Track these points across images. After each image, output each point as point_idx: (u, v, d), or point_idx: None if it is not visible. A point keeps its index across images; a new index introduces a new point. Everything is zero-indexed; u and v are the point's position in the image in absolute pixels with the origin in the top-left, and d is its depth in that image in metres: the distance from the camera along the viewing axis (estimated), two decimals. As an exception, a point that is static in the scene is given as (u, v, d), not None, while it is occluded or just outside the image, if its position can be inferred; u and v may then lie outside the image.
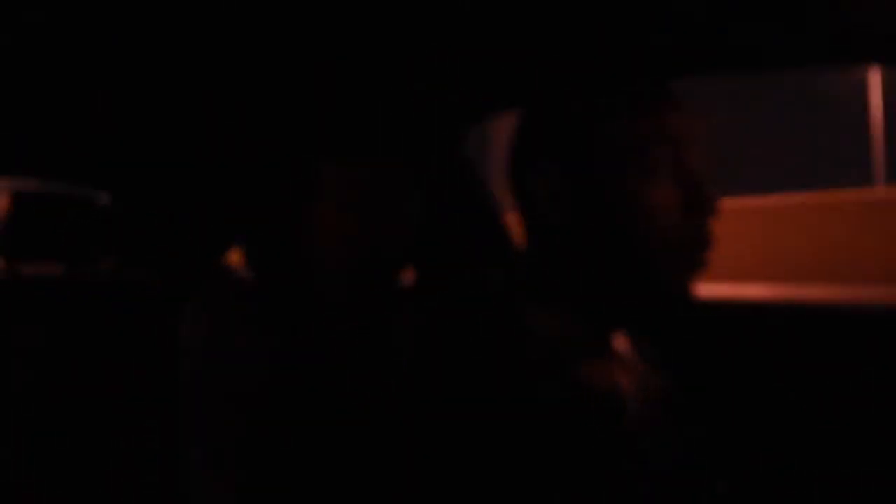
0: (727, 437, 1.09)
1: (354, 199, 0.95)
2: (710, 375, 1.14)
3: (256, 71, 0.98)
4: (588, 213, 0.69)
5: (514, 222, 0.93)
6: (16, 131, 1.48)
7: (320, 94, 1.05)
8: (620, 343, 0.77)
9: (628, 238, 0.68)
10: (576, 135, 0.70)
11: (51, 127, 1.43)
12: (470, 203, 1.34)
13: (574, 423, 0.62)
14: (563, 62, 0.90)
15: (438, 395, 0.63)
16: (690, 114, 0.71)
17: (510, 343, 0.66)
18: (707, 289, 1.15)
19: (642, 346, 0.83)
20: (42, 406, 1.28)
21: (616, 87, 0.71)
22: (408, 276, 1.26)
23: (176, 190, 1.51)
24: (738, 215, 5.98)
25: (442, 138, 1.27)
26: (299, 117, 1.12)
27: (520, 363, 0.64)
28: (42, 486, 1.23)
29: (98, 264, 1.54)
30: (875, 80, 13.64)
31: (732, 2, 0.72)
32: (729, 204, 5.65)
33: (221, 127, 1.29)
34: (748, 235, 5.86)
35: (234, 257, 1.38)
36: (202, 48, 0.88)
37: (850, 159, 15.72)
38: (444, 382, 0.64)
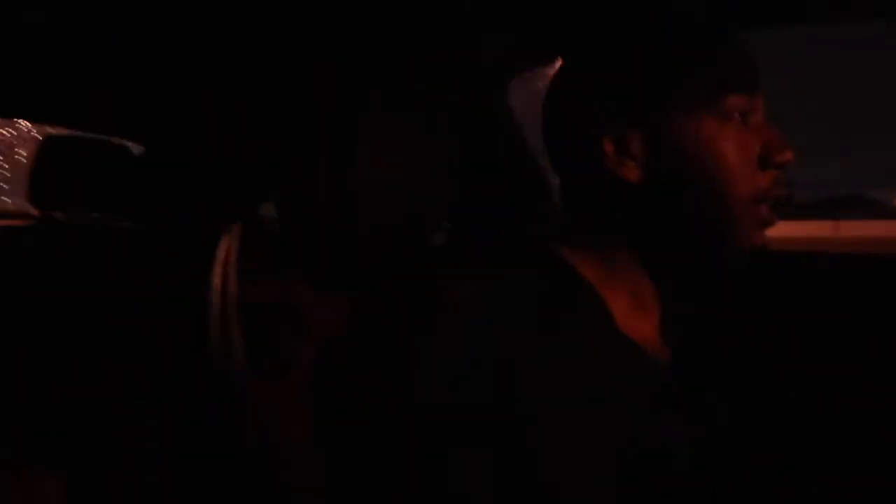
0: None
1: (395, 145, 0.90)
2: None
3: (293, 14, 0.93)
4: (662, 165, 0.66)
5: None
6: (48, 77, 1.44)
7: (360, 40, 1.00)
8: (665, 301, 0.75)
9: (702, 190, 0.65)
10: (645, 84, 0.67)
11: (83, 73, 1.40)
12: (512, 155, 1.28)
13: (616, 377, 0.62)
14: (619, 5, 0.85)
15: (488, 355, 0.59)
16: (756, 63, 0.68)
17: (558, 296, 0.65)
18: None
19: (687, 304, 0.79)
20: (70, 357, 1.26)
21: (683, 32, 0.68)
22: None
23: (210, 138, 1.47)
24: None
25: (484, 86, 1.21)
26: (337, 59, 1.07)
27: (568, 316, 0.63)
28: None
29: (130, 213, 1.51)
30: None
31: None
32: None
33: (257, 73, 1.25)
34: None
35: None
36: None
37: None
38: (490, 338, 0.60)
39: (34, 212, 1.51)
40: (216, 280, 0.90)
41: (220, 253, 0.93)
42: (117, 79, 1.42)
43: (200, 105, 1.49)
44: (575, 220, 0.73)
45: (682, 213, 0.67)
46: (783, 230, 0.78)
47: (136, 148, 1.67)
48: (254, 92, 1.36)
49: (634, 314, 0.70)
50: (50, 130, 1.77)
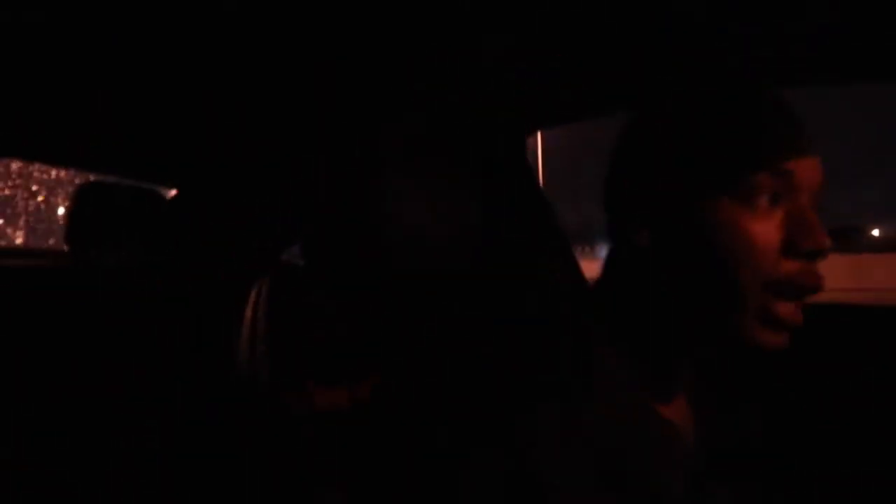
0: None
1: (420, 191, 0.93)
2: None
3: (318, 55, 0.97)
4: (671, 237, 0.62)
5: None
6: (86, 128, 1.51)
7: (390, 83, 1.04)
8: (688, 387, 0.71)
9: (707, 273, 0.59)
10: (666, 153, 0.62)
11: (116, 122, 1.46)
12: (531, 209, 1.29)
13: (638, 461, 0.58)
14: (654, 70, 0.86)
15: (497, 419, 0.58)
16: (801, 142, 0.60)
17: (580, 371, 0.61)
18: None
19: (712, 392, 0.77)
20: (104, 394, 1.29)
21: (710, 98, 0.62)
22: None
23: (239, 183, 1.52)
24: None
25: (507, 141, 1.24)
26: (365, 105, 1.11)
27: (589, 396, 0.59)
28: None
29: (161, 255, 1.55)
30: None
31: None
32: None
33: (286, 121, 1.29)
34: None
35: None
36: (257, 43, 0.88)
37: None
38: (503, 404, 0.59)
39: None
40: (248, 312, 0.94)
41: (253, 293, 0.96)
42: (147, 124, 1.48)
43: (229, 152, 1.54)
44: (607, 291, 0.69)
45: (687, 293, 0.61)
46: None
47: (166, 193, 1.73)
48: (281, 139, 1.40)
49: (662, 391, 0.66)
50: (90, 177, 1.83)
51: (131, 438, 1.14)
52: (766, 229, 0.58)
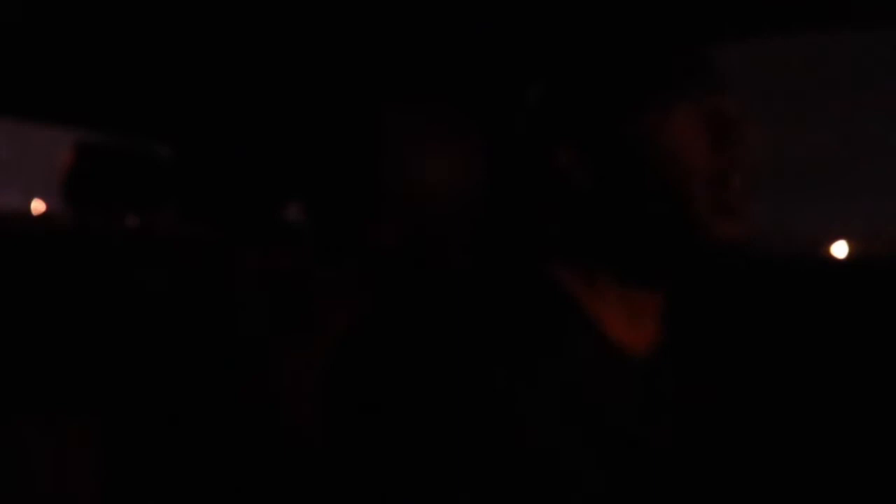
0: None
1: (421, 148, 0.93)
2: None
3: (323, 16, 0.95)
4: (611, 165, 0.66)
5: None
6: (78, 80, 1.48)
7: (386, 36, 1.02)
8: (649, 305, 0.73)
9: (655, 182, 0.64)
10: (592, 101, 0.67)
11: (112, 76, 1.43)
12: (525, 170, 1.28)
13: (596, 383, 0.62)
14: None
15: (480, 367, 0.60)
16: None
17: (541, 308, 0.65)
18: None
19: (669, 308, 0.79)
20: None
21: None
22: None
23: (236, 140, 1.50)
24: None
25: (504, 100, 1.23)
26: (363, 59, 1.09)
27: (551, 327, 0.63)
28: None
29: (159, 216, 1.55)
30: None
31: None
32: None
33: (284, 74, 1.28)
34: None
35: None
36: None
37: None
38: (479, 353, 0.60)
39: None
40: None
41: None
42: (145, 80, 1.45)
43: (225, 107, 1.52)
44: (557, 234, 0.72)
45: (637, 212, 0.66)
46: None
47: (163, 151, 1.71)
48: (278, 92, 1.38)
49: (623, 321, 0.69)
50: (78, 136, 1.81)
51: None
52: (693, 130, 0.64)
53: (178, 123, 1.63)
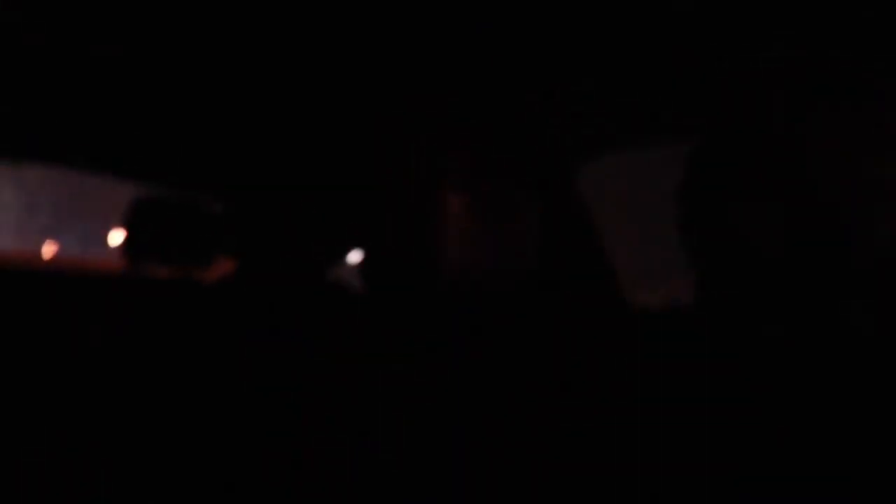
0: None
1: (480, 214, 0.93)
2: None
3: (379, 77, 0.97)
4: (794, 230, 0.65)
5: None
6: (138, 138, 1.54)
7: (454, 109, 1.04)
8: None
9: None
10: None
11: (171, 132, 1.48)
12: (584, 237, 1.26)
13: None
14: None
15: None
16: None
17: None
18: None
19: None
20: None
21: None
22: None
23: (292, 194, 1.53)
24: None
25: (562, 168, 1.22)
26: (431, 125, 1.11)
27: None
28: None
29: (213, 267, 1.58)
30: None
31: None
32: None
33: (338, 130, 1.30)
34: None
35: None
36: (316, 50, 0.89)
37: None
38: None
39: None
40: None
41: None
42: (201, 136, 1.50)
43: (282, 160, 1.55)
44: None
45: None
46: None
47: (217, 207, 1.76)
48: (336, 145, 1.40)
49: None
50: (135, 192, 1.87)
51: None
52: None
53: (230, 176, 1.67)
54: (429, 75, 0.94)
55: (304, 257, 1.40)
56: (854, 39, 0.72)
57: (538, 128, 1.07)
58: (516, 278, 0.96)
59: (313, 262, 1.39)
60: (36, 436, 1.04)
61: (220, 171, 1.68)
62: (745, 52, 0.77)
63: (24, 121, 1.36)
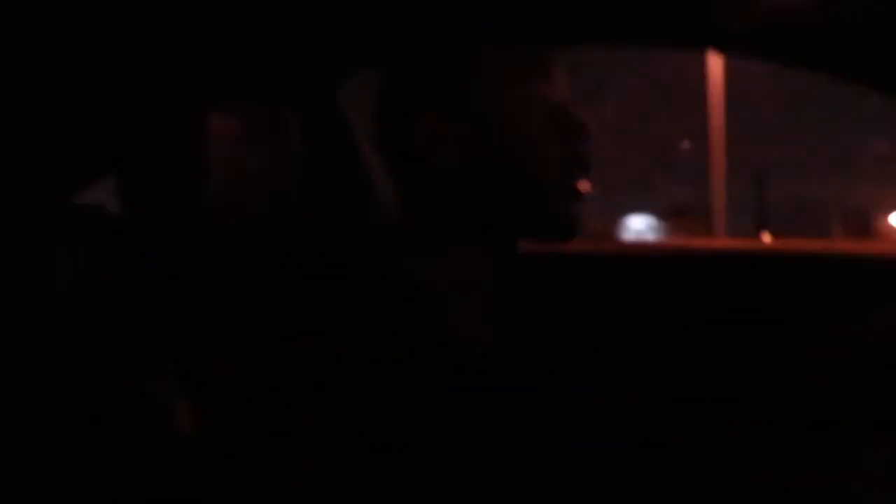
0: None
1: (240, 135, 0.93)
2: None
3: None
4: (469, 150, 0.71)
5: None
6: None
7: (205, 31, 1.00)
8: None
9: (508, 167, 0.72)
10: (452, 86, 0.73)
11: None
12: (346, 155, 1.29)
13: (440, 369, 0.66)
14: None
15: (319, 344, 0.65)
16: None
17: (388, 288, 0.69)
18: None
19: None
20: None
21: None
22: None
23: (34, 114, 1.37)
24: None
25: (321, 86, 1.23)
26: (184, 49, 1.05)
27: (397, 309, 0.67)
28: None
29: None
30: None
31: None
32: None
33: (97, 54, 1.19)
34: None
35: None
36: None
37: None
38: (322, 331, 0.66)
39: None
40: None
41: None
42: None
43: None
44: (409, 217, 0.77)
45: (491, 192, 0.72)
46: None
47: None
48: (94, 66, 1.28)
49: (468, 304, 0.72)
50: None
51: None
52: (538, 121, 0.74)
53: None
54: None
55: (51, 177, 1.27)
56: None
57: (296, 45, 1.06)
58: (281, 199, 0.98)
59: (63, 182, 1.28)
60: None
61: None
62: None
63: None
